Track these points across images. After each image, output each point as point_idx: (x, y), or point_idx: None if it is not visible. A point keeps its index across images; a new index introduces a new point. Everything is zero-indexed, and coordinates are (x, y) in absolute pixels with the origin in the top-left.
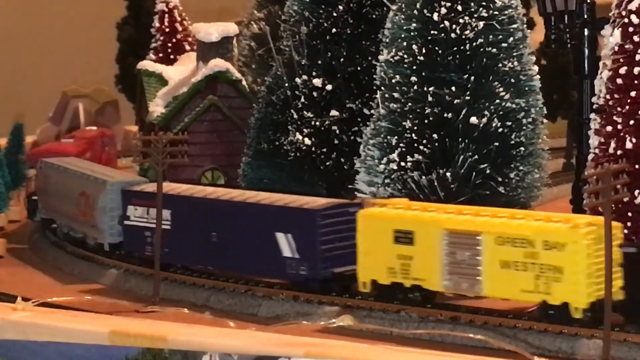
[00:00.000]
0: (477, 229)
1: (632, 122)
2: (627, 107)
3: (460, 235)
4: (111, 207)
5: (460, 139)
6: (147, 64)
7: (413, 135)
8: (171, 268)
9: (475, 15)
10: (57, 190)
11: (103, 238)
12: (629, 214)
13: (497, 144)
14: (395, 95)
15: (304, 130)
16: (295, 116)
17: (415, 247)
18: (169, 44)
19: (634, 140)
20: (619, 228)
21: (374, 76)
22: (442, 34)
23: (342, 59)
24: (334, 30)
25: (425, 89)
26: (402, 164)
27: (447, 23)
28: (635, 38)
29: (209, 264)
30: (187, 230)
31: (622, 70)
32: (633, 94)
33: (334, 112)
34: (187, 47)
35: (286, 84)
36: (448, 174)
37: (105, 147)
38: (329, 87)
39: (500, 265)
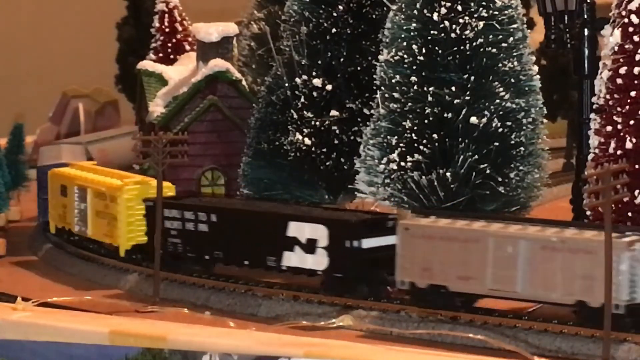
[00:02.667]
0: (85, 184)
1: (632, 122)
2: (627, 107)
3: (81, 189)
4: None
5: (460, 139)
6: (147, 64)
7: (413, 135)
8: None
9: (475, 15)
10: None
11: None
12: (629, 214)
13: (497, 144)
14: (395, 95)
15: (304, 130)
16: (295, 116)
17: (67, 199)
18: (169, 44)
19: (634, 140)
20: (170, 188)
21: (374, 76)
22: (442, 34)
23: (342, 59)
24: (334, 30)
25: (425, 89)
26: (402, 164)
27: (447, 23)
28: (635, 38)
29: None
30: None
31: (622, 70)
32: (633, 94)
33: (334, 112)
34: (187, 47)
35: (286, 84)
36: (448, 174)
37: None
38: (329, 87)
39: (96, 214)
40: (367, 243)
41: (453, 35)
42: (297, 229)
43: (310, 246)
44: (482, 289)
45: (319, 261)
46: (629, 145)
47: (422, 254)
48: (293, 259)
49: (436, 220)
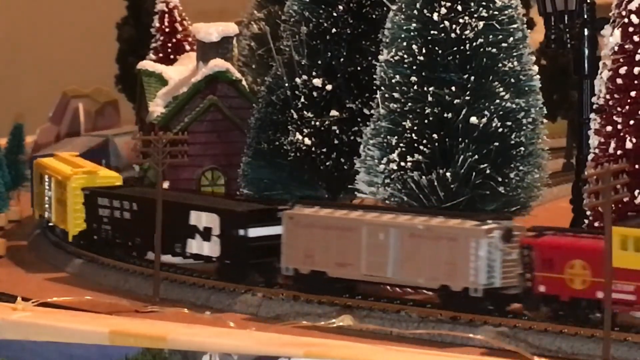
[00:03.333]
0: (50, 173)
1: (632, 122)
2: (627, 107)
3: (49, 178)
4: None
5: (460, 139)
6: (147, 64)
7: (413, 135)
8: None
9: (475, 15)
10: None
11: None
12: (629, 214)
13: (497, 144)
14: (395, 95)
15: (304, 130)
16: (295, 116)
17: (42, 187)
18: (169, 44)
19: (634, 140)
20: (117, 178)
21: (374, 76)
22: (442, 34)
23: (342, 59)
24: (334, 30)
25: (425, 89)
26: (402, 164)
27: (447, 23)
28: (635, 38)
29: None
30: None
31: (622, 70)
32: (633, 94)
33: (334, 112)
34: (187, 47)
35: (286, 84)
36: (448, 174)
37: None
38: (329, 87)
39: (57, 201)
40: (255, 232)
41: (453, 35)
42: (197, 218)
43: (206, 234)
44: (358, 275)
45: (213, 248)
46: (629, 145)
47: (305, 242)
48: (194, 246)
49: (318, 210)
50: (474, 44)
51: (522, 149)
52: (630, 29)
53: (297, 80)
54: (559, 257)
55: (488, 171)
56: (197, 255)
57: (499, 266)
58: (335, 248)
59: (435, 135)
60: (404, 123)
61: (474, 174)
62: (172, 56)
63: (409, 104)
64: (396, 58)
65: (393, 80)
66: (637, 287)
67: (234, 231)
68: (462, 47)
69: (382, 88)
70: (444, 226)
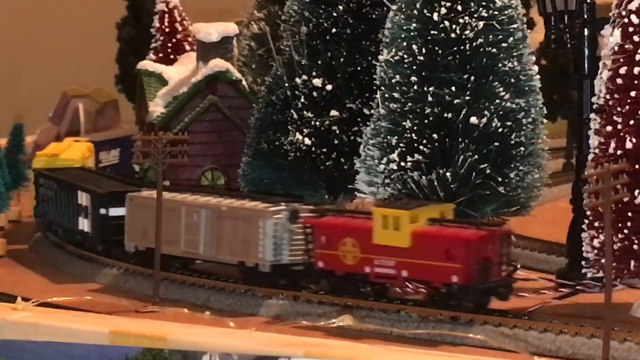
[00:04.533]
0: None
1: (632, 122)
2: (627, 107)
3: None
4: None
5: (460, 139)
6: (147, 64)
7: (413, 135)
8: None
9: (475, 15)
10: None
11: None
12: (629, 214)
13: (497, 144)
14: (395, 95)
15: (304, 130)
16: (295, 116)
17: None
18: (169, 44)
19: (634, 140)
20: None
21: (374, 76)
22: (442, 34)
23: (342, 59)
24: (334, 30)
25: (425, 89)
26: (402, 164)
27: (447, 23)
28: (635, 38)
29: None
30: None
31: (622, 70)
32: (633, 94)
33: (334, 112)
34: (187, 47)
35: (286, 84)
36: (448, 174)
37: None
38: (329, 87)
39: None
40: (115, 212)
41: (453, 35)
42: (81, 198)
43: (85, 212)
44: (179, 251)
45: (87, 225)
46: (629, 145)
47: (141, 222)
48: (81, 223)
49: (153, 193)
50: (474, 44)
51: (522, 149)
52: (630, 29)
53: (297, 80)
54: (334, 236)
55: (488, 171)
56: (82, 232)
57: (287, 244)
58: (163, 227)
59: (435, 135)
60: (404, 123)
61: (474, 174)
62: (172, 56)
63: (409, 104)
64: (396, 58)
65: (393, 80)
66: (397, 262)
67: (98, 210)
68: (462, 47)
69: (382, 88)
70: (241, 208)
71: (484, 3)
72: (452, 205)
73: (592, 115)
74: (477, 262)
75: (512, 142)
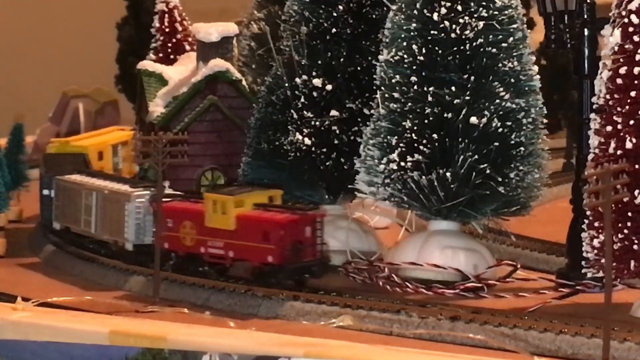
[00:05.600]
0: None
1: (632, 122)
2: (627, 107)
3: None
4: None
5: (460, 139)
6: (147, 64)
7: (413, 135)
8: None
9: (475, 15)
10: None
11: None
12: (629, 214)
13: (497, 144)
14: (395, 95)
15: (304, 130)
16: (295, 116)
17: None
18: (169, 44)
19: (634, 140)
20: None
21: (374, 76)
22: (442, 34)
23: (342, 59)
24: (334, 30)
25: (425, 89)
26: (402, 164)
27: (447, 23)
28: (635, 38)
29: None
30: None
31: (622, 70)
32: (633, 94)
33: (334, 112)
34: (187, 47)
35: (286, 84)
36: (448, 174)
37: None
38: (329, 87)
39: None
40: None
41: (453, 35)
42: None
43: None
44: (80, 230)
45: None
46: (629, 145)
47: (62, 203)
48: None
49: (70, 176)
50: (474, 44)
51: (522, 149)
52: (630, 29)
53: (297, 80)
54: (176, 219)
55: (488, 171)
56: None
57: (150, 226)
58: (72, 208)
59: (435, 135)
60: (404, 123)
61: (474, 174)
62: (172, 56)
63: (409, 104)
64: (396, 58)
65: (393, 80)
66: (225, 243)
67: (41, 191)
68: (462, 47)
69: (382, 88)
70: (114, 191)
71: (484, 3)
72: (280, 191)
73: (592, 115)
74: (289, 243)
75: (512, 142)
